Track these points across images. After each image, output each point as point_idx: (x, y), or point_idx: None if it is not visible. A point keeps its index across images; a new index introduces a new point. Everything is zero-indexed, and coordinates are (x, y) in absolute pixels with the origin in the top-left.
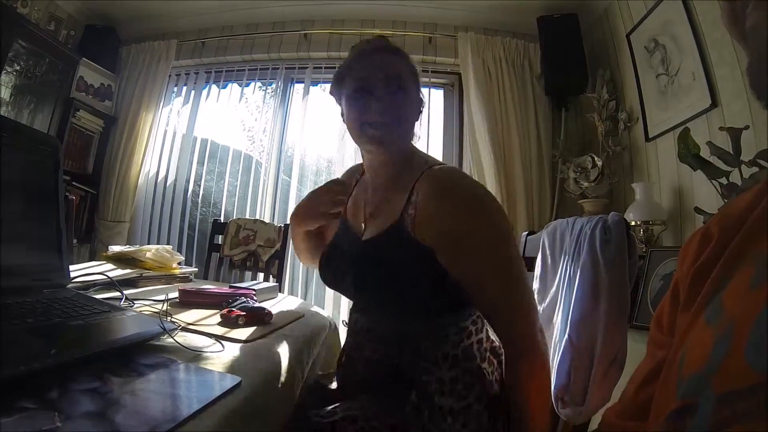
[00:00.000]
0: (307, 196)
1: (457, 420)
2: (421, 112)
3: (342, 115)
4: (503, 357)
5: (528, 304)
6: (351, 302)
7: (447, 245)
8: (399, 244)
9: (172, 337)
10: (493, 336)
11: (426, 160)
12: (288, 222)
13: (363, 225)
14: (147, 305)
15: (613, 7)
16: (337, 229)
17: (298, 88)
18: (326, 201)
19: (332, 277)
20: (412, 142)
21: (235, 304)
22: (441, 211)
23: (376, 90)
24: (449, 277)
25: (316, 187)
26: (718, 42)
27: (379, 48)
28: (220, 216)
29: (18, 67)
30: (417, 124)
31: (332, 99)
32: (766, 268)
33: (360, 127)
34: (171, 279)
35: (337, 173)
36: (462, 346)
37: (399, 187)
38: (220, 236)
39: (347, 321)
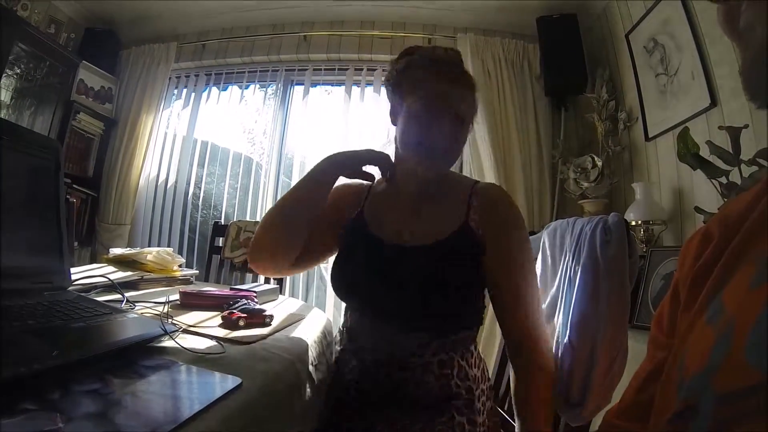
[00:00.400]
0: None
1: (480, 431)
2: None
3: (392, 114)
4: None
5: (540, 301)
6: (360, 312)
7: (499, 239)
8: (470, 245)
9: (173, 339)
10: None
11: (465, 176)
12: None
13: (407, 233)
14: (148, 307)
15: (612, 7)
16: (354, 234)
17: (298, 90)
18: (382, 158)
19: (360, 289)
20: None
21: (236, 306)
22: (504, 216)
23: (444, 123)
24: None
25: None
26: (717, 41)
27: (457, 78)
28: (220, 218)
29: (18, 70)
30: None
31: (334, 98)
32: (766, 268)
33: (416, 146)
34: (172, 281)
35: None
36: (481, 368)
37: (452, 195)
38: (221, 238)
39: (346, 325)
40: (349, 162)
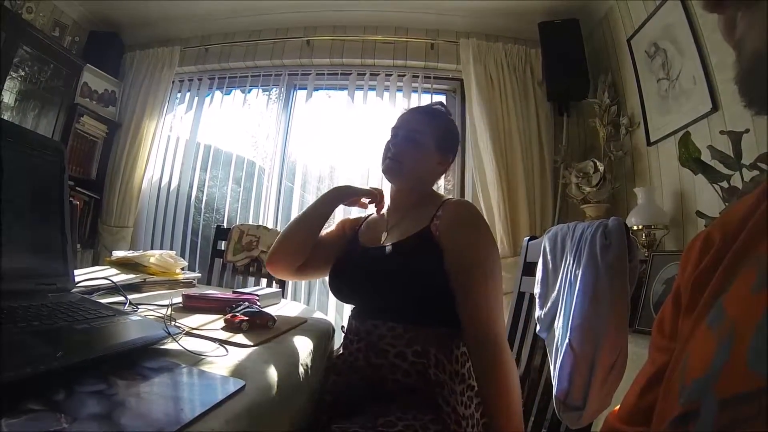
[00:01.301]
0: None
1: (469, 425)
2: (443, 168)
3: None
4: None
5: (501, 307)
6: (353, 310)
7: (457, 249)
8: (425, 244)
9: (177, 341)
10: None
11: (443, 195)
12: None
13: (384, 236)
14: (151, 310)
15: (614, 12)
16: (347, 248)
17: (301, 94)
18: (375, 194)
19: (344, 285)
20: (434, 189)
21: (239, 309)
22: (461, 222)
23: (398, 138)
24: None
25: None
26: (718, 46)
27: (421, 110)
28: (223, 222)
29: (23, 73)
30: (442, 178)
31: (334, 105)
32: (767, 272)
33: (383, 160)
34: (174, 284)
35: (340, 180)
36: (467, 367)
37: (423, 209)
38: (224, 242)
39: (346, 327)
40: (351, 192)
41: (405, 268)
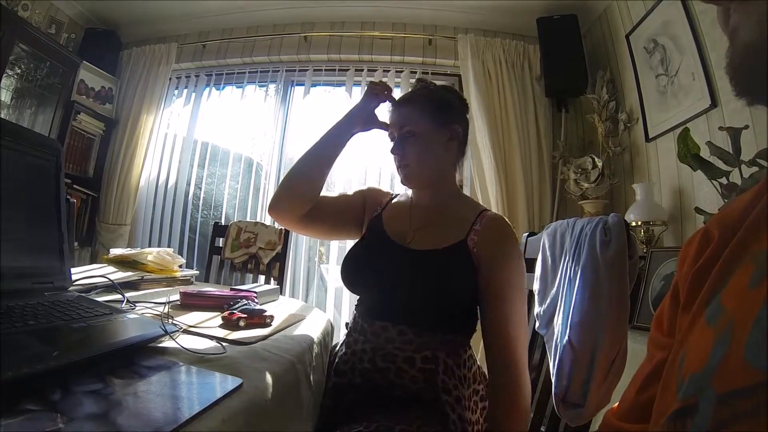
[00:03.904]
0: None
1: (474, 430)
2: (455, 143)
3: None
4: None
5: (525, 328)
6: (360, 307)
7: (492, 267)
8: (462, 260)
9: (174, 340)
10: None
11: (477, 202)
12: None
13: (411, 235)
14: (148, 308)
15: (613, 7)
16: (368, 234)
17: (299, 90)
18: (377, 88)
19: (361, 276)
20: (462, 191)
21: (237, 306)
22: (502, 242)
23: (396, 142)
24: (478, 297)
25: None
26: (717, 42)
27: (400, 103)
28: (220, 219)
29: (19, 71)
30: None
31: (334, 98)
32: (765, 267)
33: (396, 170)
34: (172, 282)
35: (338, 177)
36: (473, 371)
37: (454, 216)
38: (221, 239)
39: (351, 325)
40: (358, 111)
41: (440, 279)
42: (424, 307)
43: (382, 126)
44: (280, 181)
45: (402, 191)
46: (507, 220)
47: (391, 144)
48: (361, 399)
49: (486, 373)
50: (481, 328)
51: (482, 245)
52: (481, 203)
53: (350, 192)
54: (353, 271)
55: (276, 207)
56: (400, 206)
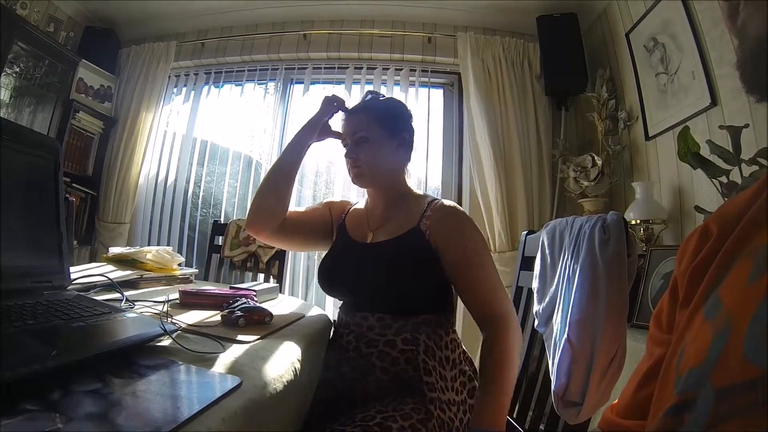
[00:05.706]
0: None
1: (459, 410)
2: (406, 149)
3: None
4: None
5: (501, 285)
6: (343, 304)
7: (450, 245)
8: (417, 243)
9: (173, 339)
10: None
11: (428, 196)
12: None
13: (370, 235)
14: (147, 306)
15: (613, 6)
16: (336, 241)
17: (298, 88)
18: (330, 102)
19: (336, 278)
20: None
21: (236, 305)
22: (452, 220)
23: (350, 147)
24: (443, 276)
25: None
26: (717, 41)
27: (351, 111)
28: (220, 217)
29: (17, 69)
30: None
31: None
32: (764, 262)
33: (348, 172)
34: (171, 280)
35: (337, 174)
36: (457, 352)
37: (406, 209)
38: (221, 237)
39: (336, 321)
40: (313, 123)
41: (399, 264)
42: (391, 291)
43: (335, 135)
44: (252, 200)
45: (357, 198)
46: (453, 202)
47: (343, 147)
48: (346, 389)
49: (470, 357)
50: (462, 301)
51: (435, 227)
52: (439, 198)
53: (318, 204)
54: (327, 276)
55: (252, 223)
56: (359, 212)
